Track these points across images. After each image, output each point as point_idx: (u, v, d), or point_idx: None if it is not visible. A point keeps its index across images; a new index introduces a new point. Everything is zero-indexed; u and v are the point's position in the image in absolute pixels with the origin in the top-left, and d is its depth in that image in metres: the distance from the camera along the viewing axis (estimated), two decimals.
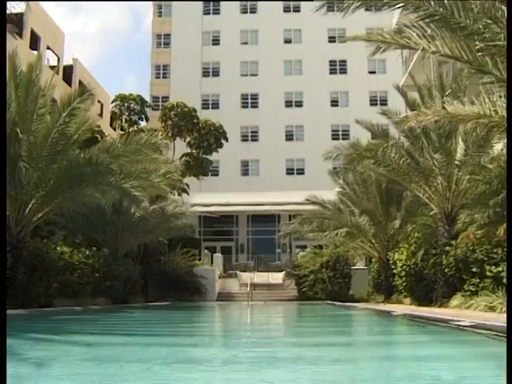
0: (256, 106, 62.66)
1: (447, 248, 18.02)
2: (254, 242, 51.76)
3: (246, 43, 64.60)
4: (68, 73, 48.64)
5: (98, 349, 6.54)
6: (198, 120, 44.96)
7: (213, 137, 44.56)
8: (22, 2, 42.64)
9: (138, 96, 46.62)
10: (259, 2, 64.52)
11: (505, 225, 14.26)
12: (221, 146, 45.59)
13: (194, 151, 44.64)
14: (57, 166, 18.33)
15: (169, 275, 33.08)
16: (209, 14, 65.72)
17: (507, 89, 9.41)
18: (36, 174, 18.05)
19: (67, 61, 51.38)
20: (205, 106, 60.42)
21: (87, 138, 20.75)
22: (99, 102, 58.01)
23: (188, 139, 45.18)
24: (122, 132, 43.47)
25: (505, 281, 14.05)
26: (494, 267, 15.78)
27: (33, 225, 19.26)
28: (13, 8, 33.36)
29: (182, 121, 43.89)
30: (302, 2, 63.66)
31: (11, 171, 17.36)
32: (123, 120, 45.77)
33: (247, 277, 38.53)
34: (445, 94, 17.74)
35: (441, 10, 10.43)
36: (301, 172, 59.65)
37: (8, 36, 34.51)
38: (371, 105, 57.96)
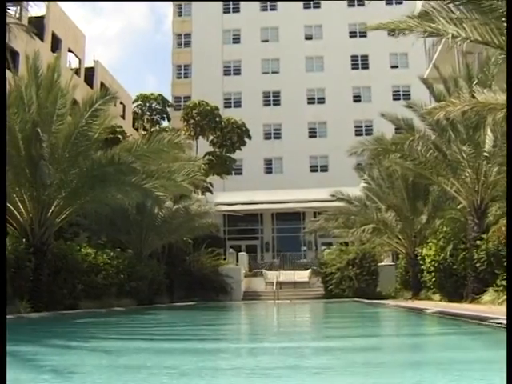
0: (278, 104, 62.35)
1: (478, 242, 17.55)
2: (279, 240, 51.37)
3: (266, 41, 64.32)
4: (89, 75, 48.71)
5: (120, 355, 6.22)
6: (220, 118, 44.74)
7: (236, 135, 44.33)
8: (43, 5, 42.85)
9: (160, 95, 46.52)
10: None
11: None
12: (244, 144, 45.33)
13: (217, 150, 44.46)
14: (78, 167, 18.16)
15: (194, 275, 32.86)
16: (229, 12, 65.54)
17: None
18: (58, 175, 17.91)
19: (88, 63, 51.53)
20: (227, 104, 60.23)
21: (109, 139, 20.61)
22: (121, 103, 58.03)
23: (211, 138, 45.01)
24: (144, 132, 43.40)
25: None
26: None
27: (56, 226, 19.14)
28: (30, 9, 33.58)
29: (205, 119, 43.72)
30: None
31: (33, 172, 17.26)
32: (145, 120, 45.66)
33: (273, 275, 38.18)
34: (472, 85, 17.24)
35: None
36: (324, 169, 59.25)
37: (29, 38, 34.62)
38: (394, 99, 57.42)
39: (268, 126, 61.15)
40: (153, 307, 23.46)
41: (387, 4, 60.60)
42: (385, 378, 4.75)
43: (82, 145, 18.10)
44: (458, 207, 21.33)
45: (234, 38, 64.70)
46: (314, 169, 59.70)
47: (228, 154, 44.71)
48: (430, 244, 21.22)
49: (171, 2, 67.59)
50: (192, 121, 43.83)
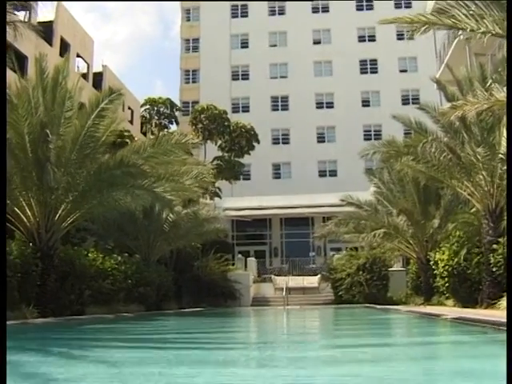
0: (286, 109, 62.07)
1: (494, 246, 17.16)
2: (288, 246, 51.03)
3: (274, 45, 64.12)
4: (98, 80, 48.64)
5: (124, 366, 5.86)
6: (228, 122, 44.47)
7: (244, 139, 44.03)
8: (52, 9, 42.78)
9: (168, 99, 46.30)
10: (287, 4, 64.00)
11: None
12: (252, 148, 45.02)
13: (225, 154, 44.14)
14: (86, 170, 17.89)
15: (202, 281, 32.55)
16: (237, 17, 65.36)
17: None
18: (65, 178, 17.64)
19: (97, 68, 51.51)
20: (235, 109, 59.94)
21: (117, 143, 20.35)
22: (129, 108, 58.00)
23: (219, 142, 44.72)
24: (152, 137, 43.18)
25: None
26: None
27: (63, 231, 18.86)
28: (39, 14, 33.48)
29: (213, 124, 43.47)
30: (330, 2, 63.05)
31: (40, 176, 17.00)
32: (153, 124, 45.42)
33: (282, 281, 37.83)
34: (486, 86, 16.88)
35: None
36: (333, 174, 58.92)
37: (38, 43, 34.48)
38: (403, 104, 57.11)
39: (276, 131, 60.88)
40: (161, 313, 23.13)
41: (396, 8, 60.27)
42: None
43: (89, 147, 17.84)
44: (472, 211, 20.97)
45: (242, 43, 64.51)
46: (322, 174, 59.38)
47: (236, 159, 44.37)
48: (443, 248, 20.85)
49: (179, 8, 67.43)
50: (200, 125, 43.58)
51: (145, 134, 49.65)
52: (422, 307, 21.25)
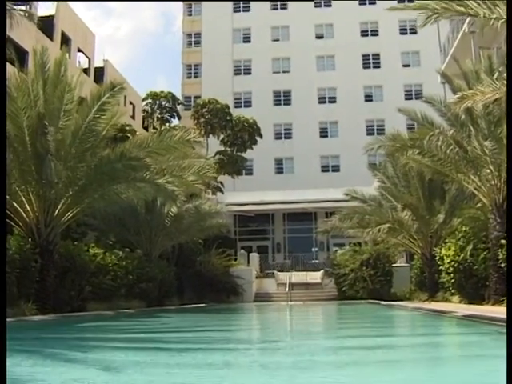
0: (289, 103, 61.75)
1: (502, 241, 16.82)
2: (291, 241, 50.78)
3: (277, 40, 63.73)
4: (99, 74, 48.43)
5: (121, 371, 5.50)
6: (231, 117, 44.08)
7: (247, 133, 43.62)
8: (53, 4, 42.53)
9: (169, 93, 45.92)
10: None
11: None
12: (255, 142, 44.61)
13: (227, 149, 43.75)
14: (86, 164, 17.58)
15: (204, 276, 32.31)
16: (239, 11, 64.99)
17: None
18: (65, 172, 17.33)
19: (98, 63, 51.34)
20: (237, 104, 59.60)
21: (118, 137, 20.06)
22: (131, 103, 57.79)
23: (221, 137, 44.33)
24: (153, 131, 42.89)
25: None
26: None
27: (63, 226, 18.56)
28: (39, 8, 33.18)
29: (215, 118, 43.09)
30: None
31: (39, 170, 16.71)
32: (155, 118, 45.06)
33: (285, 276, 37.55)
34: (494, 77, 16.54)
35: None
36: (336, 169, 58.60)
37: (38, 37, 34.20)
38: (406, 99, 56.74)
39: (279, 126, 60.54)
40: (162, 309, 22.83)
41: (400, 1, 59.86)
42: None
43: (89, 141, 17.52)
44: (478, 206, 20.66)
45: (244, 37, 64.13)
46: (325, 169, 59.04)
47: (239, 153, 43.97)
48: (449, 244, 20.55)
49: (181, 3, 67.06)
50: (202, 119, 43.19)
51: (146, 128, 49.34)
52: (427, 303, 20.94)
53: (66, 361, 5.70)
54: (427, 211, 25.25)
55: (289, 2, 63.84)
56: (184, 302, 29.48)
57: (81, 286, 18.95)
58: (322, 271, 38.73)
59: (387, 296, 29.31)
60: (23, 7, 36.03)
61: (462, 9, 9.87)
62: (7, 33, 33.23)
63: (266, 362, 6.06)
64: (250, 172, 55.18)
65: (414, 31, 60.65)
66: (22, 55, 30.17)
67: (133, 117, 56.65)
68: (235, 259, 38.62)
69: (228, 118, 43.79)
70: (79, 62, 48.52)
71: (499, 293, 16.46)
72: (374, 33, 62.41)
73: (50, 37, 41.50)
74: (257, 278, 38.56)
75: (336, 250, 38.85)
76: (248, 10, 64.83)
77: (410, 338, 9.02)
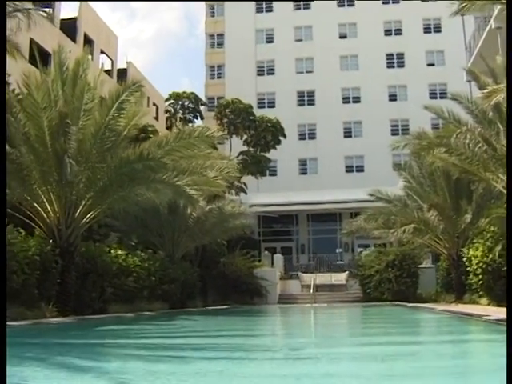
0: (313, 104, 61.30)
1: None
2: (315, 242, 50.40)
3: (300, 40, 63.32)
4: (122, 76, 48.38)
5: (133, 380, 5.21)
6: (254, 117, 43.75)
7: (270, 133, 43.24)
8: (76, 7, 42.64)
9: (192, 93, 45.67)
10: None
11: None
12: (279, 142, 44.21)
13: (251, 149, 43.40)
14: (106, 164, 17.38)
15: (228, 278, 32.06)
16: (262, 11, 64.67)
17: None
18: (86, 173, 17.17)
19: (121, 65, 51.44)
20: (260, 105, 59.28)
21: (140, 138, 19.86)
22: (154, 104, 57.82)
23: (244, 137, 44.02)
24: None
25: None
26: None
27: (84, 227, 18.40)
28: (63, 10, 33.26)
29: (238, 118, 42.82)
30: None
31: (59, 171, 16.56)
32: (178, 119, 44.86)
33: (309, 278, 37.16)
34: None
35: None
36: (360, 169, 58.07)
37: (61, 39, 34.24)
38: (431, 98, 55.98)
39: (302, 127, 60.13)
40: (184, 311, 22.57)
41: (423, 0, 59.33)
42: None
43: (109, 141, 17.31)
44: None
45: (267, 38, 63.80)
46: (349, 169, 58.54)
47: (262, 154, 43.59)
48: (477, 244, 20.08)
49: (204, 4, 66.91)
50: (225, 119, 42.95)
51: (168, 128, 49.27)
52: (454, 305, 20.47)
53: (73, 371, 5.36)
54: (454, 211, 24.79)
55: (312, 2, 63.40)
56: (207, 303, 29.28)
57: (102, 287, 18.80)
58: (347, 272, 38.33)
59: (413, 297, 28.90)
60: (46, 9, 36.28)
61: None
62: (30, 35, 33.43)
63: (288, 374, 5.64)
64: (273, 173, 54.91)
65: (438, 30, 60.08)
66: (45, 57, 30.22)
67: (156, 118, 56.69)
68: (259, 260, 38.36)
69: (251, 117, 43.47)
70: (102, 64, 48.68)
71: None
72: (398, 32, 61.77)
73: (73, 39, 41.61)
74: (281, 279, 38.23)
75: (361, 251, 38.42)
76: (271, 11, 64.50)
77: (445, 345, 8.38)
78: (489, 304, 19.01)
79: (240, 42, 62.35)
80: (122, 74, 48.89)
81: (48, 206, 17.33)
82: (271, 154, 46.27)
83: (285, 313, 25.51)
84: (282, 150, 48.40)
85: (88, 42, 43.32)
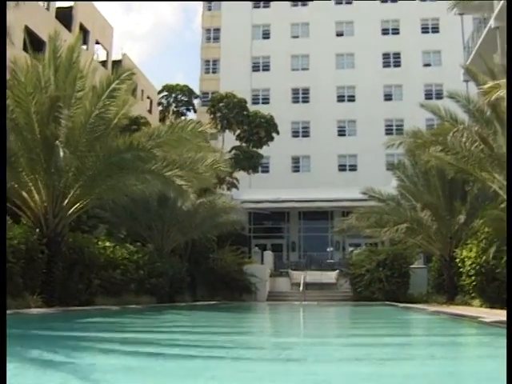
0: (307, 101, 60.97)
1: None
2: (306, 240, 50.12)
3: (296, 37, 62.96)
4: (116, 67, 48.04)
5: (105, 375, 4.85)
6: (248, 112, 43.34)
7: (263, 129, 42.81)
8: None
9: (185, 86, 45.18)
10: None
11: None
12: (271, 139, 43.80)
13: (243, 144, 42.97)
14: (95, 153, 17.03)
15: (217, 273, 31.77)
16: (259, 7, 64.30)
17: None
18: (75, 162, 16.82)
19: (117, 57, 51.23)
20: (255, 101, 58.88)
21: (132, 129, 19.52)
22: (148, 97, 57.52)
23: (237, 132, 43.59)
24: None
25: None
26: None
27: (72, 217, 18.06)
28: None
29: (232, 112, 42.40)
30: None
31: (47, 159, 16.22)
32: (170, 111, 44.42)
33: (299, 275, 36.90)
34: None
35: None
36: (353, 168, 57.79)
37: (57, 28, 33.95)
38: (426, 98, 55.69)
39: (296, 124, 59.79)
40: (172, 306, 22.22)
41: (421, 0, 59.21)
42: None
43: (99, 129, 16.98)
44: (501, 206, 19.88)
45: (263, 34, 63.41)
46: (342, 168, 58.24)
47: (255, 149, 43.17)
48: (471, 245, 19.84)
49: None
50: (219, 113, 42.52)
51: (161, 120, 48.94)
52: (445, 307, 20.20)
53: (45, 367, 4.98)
54: (447, 211, 24.56)
55: None
56: (196, 298, 29.03)
57: (89, 279, 18.52)
58: (337, 271, 38.10)
59: (403, 298, 28.73)
60: None
61: None
62: (25, 22, 33.01)
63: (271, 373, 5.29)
64: (266, 170, 54.63)
65: (436, 30, 59.94)
66: (39, 45, 29.89)
67: (150, 111, 56.34)
68: (249, 257, 38.09)
69: (245, 112, 43.04)
70: (97, 54, 48.35)
71: None
72: (395, 31, 61.53)
73: (68, 28, 41.31)
74: (271, 276, 37.94)
75: (352, 250, 38.20)
76: (268, 6, 64.09)
77: (441, 348, 7.99)
78: (481, 306, 18.77)
79: (236, 37, 61.98)
80: (117, 65, 48.55)
81: (35, 194, 17.00)
82: (264, 151, 45.93)
83: (273, 310, 25.19)
84: (275, 147, 48.10)
85: (83, 31, 43.00)
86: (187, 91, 44.64)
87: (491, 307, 17.54)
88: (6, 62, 14.87)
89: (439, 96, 50.90)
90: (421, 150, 20.06)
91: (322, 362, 6.09)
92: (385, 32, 61.84)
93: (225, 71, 61.35)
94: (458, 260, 21.24)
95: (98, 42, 47.89)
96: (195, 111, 46.70)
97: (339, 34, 62.37)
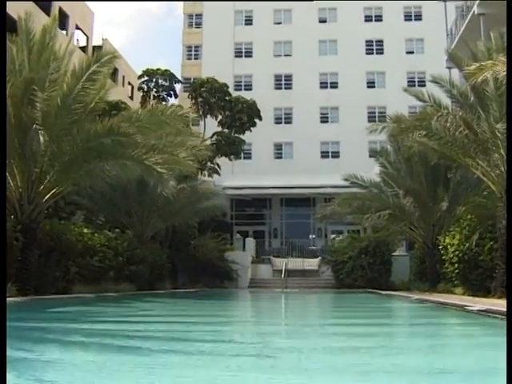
0: (290, 88, 60.54)
1: None
2: (288, 227, 49.92)
3: (279, 23, 62.44)
4: (98, 52, 47.37)
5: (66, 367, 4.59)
6: (230, 97, 42.81)
7: (245, 115, 42.27)
8: None
9: (167, 71, 44.43)
10: None
11: None
12: (254, 124, 43.29)
13: (225, 130, 42.50)
14: (72, 138, 16.59)
15: (198, 260, 31.48)
16: None
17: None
18: (50, 146, 16.38)
19: (97, 42, 50.53)
20: (237, 87, 58.35)
21: (112, 114, 19.05)
22: (129, 83, 56.82)
23: (219, 118, 43.09)
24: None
25: None
26: None
27: (48, 203, 17.63)
28: None
29: (213, 97, 41.83)
30: None
31: (22, 143, 15.78)
32: (151, 97, 43.77)
33: (281, 262, 36.72)
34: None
35: None
36: (336, 155, 57.55)
37: (34, 13, 33.24)
38: (409, 85, 55.38)
39: (279, 110, 59.40)
40: (151, 293, 21.87)
41: None
42: None
43: (76, 113, 16.52)
44: (485, 193, 19.71)
45: (246, 20, 62.77)
46: (324, 155, 57.96)
47: (237, 135, 42.70)
48: (454, 232, 19.64)
49: None
50: (200, 99, 41.94)
51: (142, 104, 48.30)
52: (428, 294, 20.01)
53: None
54: (430, 198, 24.38)
55: None
56: (177, 286, 28.74)
57: (66, 266, 18.16)
58: (319, 258, 37.94)
59: (385, 285, 28.69)
60: None
61: None
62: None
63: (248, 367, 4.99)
64: (248, 156, 54.24)
65: (419, 18, 59.72)
66: (15, 28, 29.24)
67: (131, 98, 55.68)
68: (231, 244, 37.83)
69: (227, 98, 42.50)
70: (77, 40, 47.66)
71: (506, 285, 15.55)
72: (378, 18, 61.22)
73: (47, 12, 40.48)
74: (252, 263, 37.72)
75: (334, 237, 38.04)
76: None
77: (425, 339, 7.65)
78: (464, 293, 18.59)
79: (218, 23, 61.34)
80: (98, 51, 47.85)
81: (10, 180, 16.53)
82: (246, 137, 45.51)
83: (254, 297, 24.94)
84: (258, 134, 47.68)
85: (63, 16, 42.29)
86: (168, 76, 43.90)
87: (474, 295, 17.38)
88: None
89: (422, 83, 50.60)
90: (404, 135, 19.78)
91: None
92: (368, 19, 61.46)
93: (207, 57, 60.72)
94: (440, 247, 21.05)
95: (78, 28, 47.13)
96: (176, 96, 46.06)
97: (322, 21, 61.93)
